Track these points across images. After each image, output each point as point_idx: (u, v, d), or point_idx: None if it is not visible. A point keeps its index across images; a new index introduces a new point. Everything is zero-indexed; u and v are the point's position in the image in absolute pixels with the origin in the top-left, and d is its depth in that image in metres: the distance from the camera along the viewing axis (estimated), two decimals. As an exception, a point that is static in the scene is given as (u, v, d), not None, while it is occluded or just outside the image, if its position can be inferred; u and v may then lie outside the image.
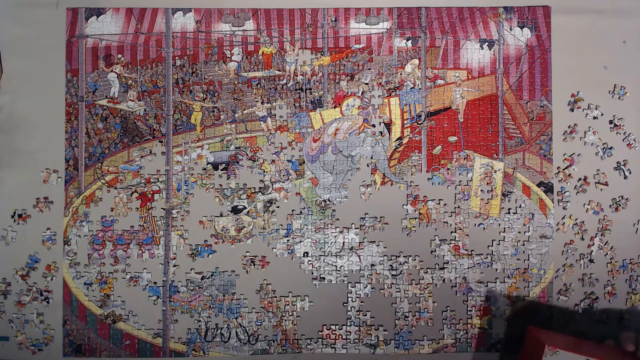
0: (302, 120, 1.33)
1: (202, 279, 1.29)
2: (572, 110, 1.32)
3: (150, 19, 1.32)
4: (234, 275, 1.29)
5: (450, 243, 1.30)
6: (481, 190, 1.31)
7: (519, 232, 1.31)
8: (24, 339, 1.28)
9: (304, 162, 1.32)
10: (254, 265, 1.29)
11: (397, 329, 1.29)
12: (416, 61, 1.34)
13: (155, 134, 1.31)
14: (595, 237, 1.31)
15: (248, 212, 1.30)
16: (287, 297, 1.29)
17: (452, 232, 1.30)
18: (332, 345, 1.29)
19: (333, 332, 1.29)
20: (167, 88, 1.32)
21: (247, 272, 1.29)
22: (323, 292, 1.29)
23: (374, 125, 1.33)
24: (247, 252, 1.29)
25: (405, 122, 1.33)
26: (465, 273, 1.30)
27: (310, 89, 1.33)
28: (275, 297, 1.29)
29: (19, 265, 1.28)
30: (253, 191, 1.30)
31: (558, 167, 1.32)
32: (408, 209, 1.31)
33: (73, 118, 1.30)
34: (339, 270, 1.30)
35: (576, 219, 1.31)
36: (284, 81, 1.33)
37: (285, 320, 1.29)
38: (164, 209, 1.29)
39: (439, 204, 1.31)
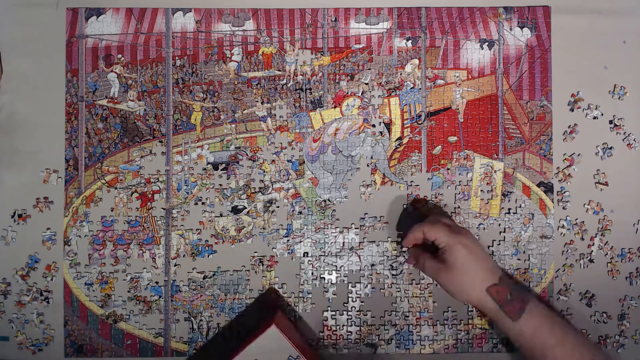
0: (302, 120, 1.33)
1: (204, 278, 1.29)
2: (572, 110, 1.33)
3: (150, 19, 1.32)
4: (236, 275, 1.29)
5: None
6: (481, 190, 1.32)
7: (519, 232, 1.31)
8: (24, 339, 1.28)
9: (304, 162, 1.32)
10: (262, 265, 1.29)
11: (398, 329, 1.29)
12: (416, 61, 1.34)
13: (155, 134, 1.31)
14: (595, 237, 1.31)
15: (248, 212, 1.30)
16: (290, 297, 1.29)
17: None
18: (333, 346, 1.29)
19: (334, 332, 1.29)
20: (167, 88, 1.32)
21: (255, 272, 1.29)
22: (323, 292, 1.30)
23: (374, 125, 1.33)
24: (255, 252, 1.29)
25: (405, 122, 1.33)
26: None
27: (310, 89, 1.33)
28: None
29: (19, 265, 1.28)
30: (253, 191, 1.30)
31: (558, 167, 1.32)
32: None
33: (73, 118, 1.30)
34: (339, 270, 1.30)
35: (576, 219, 1.31)
36: (284, 81, 1.33)
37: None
38: (164, 209, 1.29)
39: (436, 197, 1.31)
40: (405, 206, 1.30)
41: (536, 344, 1.09)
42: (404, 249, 1.29)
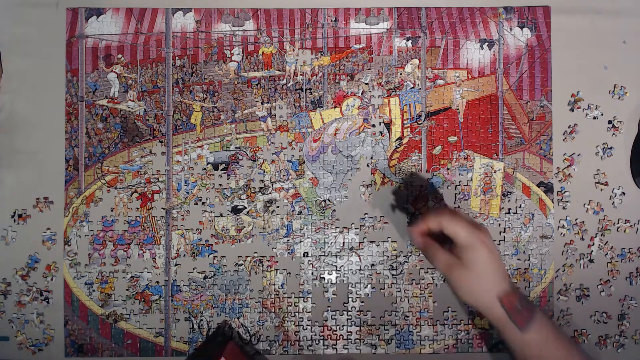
0: (302, 120, 1.33)
1: (204, 278, 1.29)
2: (572, 110, 1.33)
3: (150, 19, 1.32)
4: (237, 275, 1.29)
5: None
6: (481, 190, 1.32)
7: (519, 232, 1.31)
8: (24, 339, 1.28)
9: (304, 162, 1.32)
10: (262, 265, 1.29)
11: (398, 329, 1.30)
12: (416, 61, 1.34)
13: (155, 134, 1.31)
14: (595, 237, 1.31)
15: (248, 212, 1.30)
16: (290, 297, 1.29)
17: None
18: (333, 346, 1.29)
19: (334, 332, 1.29)
20: (167, 88, 1.32)
21: (255, 272, 1.29)
22: (323, 293, 1.30)
23: (374, 125, 1.33)
24: (254, 252, 1.29)
25: (405, 122, 1.33)
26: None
27: (310, 89, 1.33)
28: (278, 297, 1.29)
29: (19, 265, 1.28)
30: (253, 191, 1.31)
31: (558, 167, 1.32)
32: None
33: (73, 118, 1.30)
34: (339, 270, 1.30)
35: (576, 219, 1.31)
36: (284, 81, 1.33)
37: (288, 322, 1.29)
38: (164, 209, 1.29)
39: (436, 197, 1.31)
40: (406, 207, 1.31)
41: (543, 356, 1.04)
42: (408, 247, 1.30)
